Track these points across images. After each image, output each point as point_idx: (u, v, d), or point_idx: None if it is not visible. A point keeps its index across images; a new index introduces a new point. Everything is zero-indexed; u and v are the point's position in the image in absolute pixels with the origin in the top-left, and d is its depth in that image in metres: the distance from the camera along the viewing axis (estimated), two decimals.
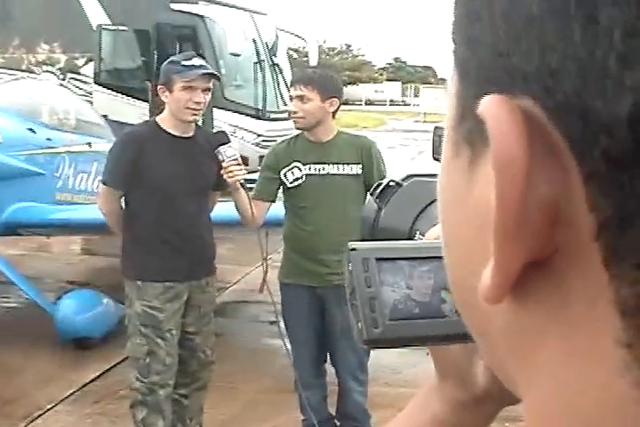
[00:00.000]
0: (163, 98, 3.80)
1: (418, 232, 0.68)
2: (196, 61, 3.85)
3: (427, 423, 0.64)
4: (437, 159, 0.95)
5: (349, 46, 70.99)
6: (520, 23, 0.27)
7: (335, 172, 4.04)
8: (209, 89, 3.83)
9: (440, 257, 0.55)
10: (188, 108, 3.74)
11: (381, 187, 0.73)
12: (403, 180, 0.72)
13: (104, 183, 3.94)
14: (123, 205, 3.96)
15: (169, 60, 3.93)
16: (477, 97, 0.28)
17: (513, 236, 0.27)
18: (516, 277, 0.28)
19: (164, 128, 3.83)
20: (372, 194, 0.74)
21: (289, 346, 4.19)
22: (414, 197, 0.70)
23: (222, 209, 4.31)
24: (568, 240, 0.27)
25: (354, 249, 0.54)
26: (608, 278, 0.26)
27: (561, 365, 0.29)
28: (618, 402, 0.27)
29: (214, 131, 4.19)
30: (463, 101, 0.31)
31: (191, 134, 3.88)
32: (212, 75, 3.90)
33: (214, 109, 9.83)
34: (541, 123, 0.27)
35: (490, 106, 0.27)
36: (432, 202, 0.70)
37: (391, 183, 0.72)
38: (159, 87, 3.81)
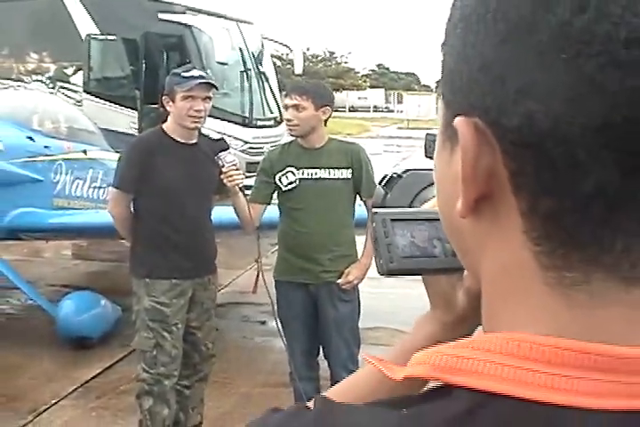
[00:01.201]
0: (167, 108, 4.07)
1: None
2: (195, 72, 4.12)
3: (421, 340, 0.90)
4: (429, 157, 1.24)
5: (333, 53, 71.29)
6: (473, 83, 0.54)
7: (327, 176, 4.31)
8: (209, 98, 4.09)
9: (432, 219, 0.82)
10: (189, 115, 4.01)
11: (387, 178, 1.00)
12: (403, 173, 1.00)
13: (116, 187, 4.18)
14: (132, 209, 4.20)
15: (172, 72, 4.22)
16: (454, 117, 0.55)
17: (470, 183, 0.54)
18: (473, 204, 0.55)
19: (170, 135, 4.10)
20: (379, 183, 1.01)
21: (285, 340, 4.42)
22: (411, 185, 0.98)
23: (221, 212, 4.56)
24: (497, 184, 0.54)
25: (376, 213, 0.82)
26: (515, 200, 0.53)
27: (495, 256, 0.56)
28: (525, 261, 0.54)
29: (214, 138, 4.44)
30: (447, 119, 0.57)
31: (195, 141, 4.14)
32: (209, 84, 4.16)
33: None
34: (483, 129, 0.53)
35: (459, 122, 0.54)
36: (424, 188, 0.97)
37: (394, 175, 1.00)
38: (163, 98, 4.09)
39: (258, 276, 4.57)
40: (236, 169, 4.03)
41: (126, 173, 4.10)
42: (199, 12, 12.20)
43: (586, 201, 0.50)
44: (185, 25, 11.73)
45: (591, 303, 0.52)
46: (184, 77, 4.04)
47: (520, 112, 0.50)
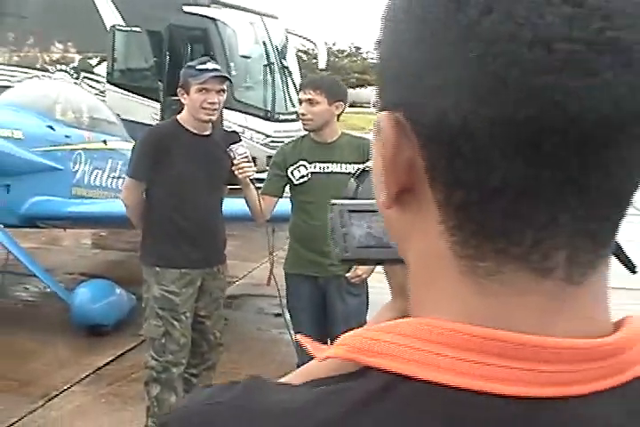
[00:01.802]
0: (182, 99, 4.12)
1: None
2: (210, 65, 4.16)
3: None
4: None
5: (359, 49, 70.96)
6: (398, 80, 0.56)
7: (338, 170, 4.34)
8: (223, 90, 4.13)
9: None
10: (203, 108, 4.06)
11: (359, 171, 1.03)
12: None
13: (130, 176, 4.23)
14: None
15: (186, 65, 4.27)
16: (380, 112, 0.58)
17: (391, 175, 0.57)
18: (394, 195, 0.58)
19: (185, 126, 4.15)
20: (352, 176, 1.04)
21: (293, 332, 4.46)
22: None
23: (233, 204, 4.60)
24: (417, 176, 0.56)
25: (334, 204, 0.85)
26: (432, 192, 0.56)
27: (418, 246, 0.59)
28: (442, 250, 0.56)
29: (227, 131, 4.49)
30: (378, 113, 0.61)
31: (209, 132, 4.19)
32: (223, 77, 4.20)
33: (224, 110, 10.06)
34: (404, 123, 0.56)
35: (382, 116, 0.57)
36: None
37: (367, 168, 1.02)
38: (178, 90, 4.14)
39: (272, 269, 4.61)
40: (247, 161, 4.08)
41: (139, 162, 4.15)
42: (224, 5, 12.21)
43: (492, 194, 0.53)
44: (209, 18, 11.74)
45: (504, 292, 0.54)
46: (198, 70, 4.09)
47: (433, 109, 0.53)
